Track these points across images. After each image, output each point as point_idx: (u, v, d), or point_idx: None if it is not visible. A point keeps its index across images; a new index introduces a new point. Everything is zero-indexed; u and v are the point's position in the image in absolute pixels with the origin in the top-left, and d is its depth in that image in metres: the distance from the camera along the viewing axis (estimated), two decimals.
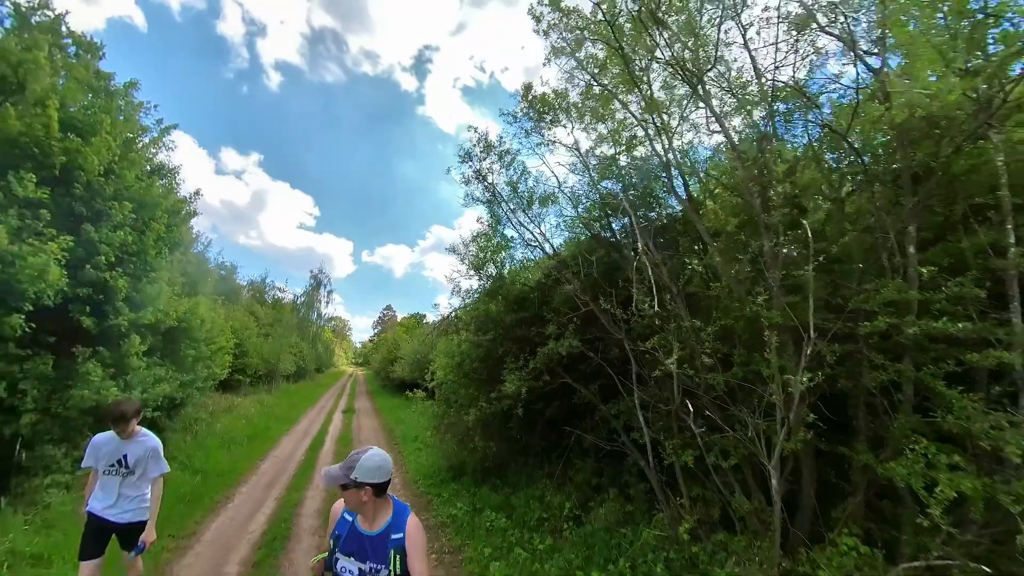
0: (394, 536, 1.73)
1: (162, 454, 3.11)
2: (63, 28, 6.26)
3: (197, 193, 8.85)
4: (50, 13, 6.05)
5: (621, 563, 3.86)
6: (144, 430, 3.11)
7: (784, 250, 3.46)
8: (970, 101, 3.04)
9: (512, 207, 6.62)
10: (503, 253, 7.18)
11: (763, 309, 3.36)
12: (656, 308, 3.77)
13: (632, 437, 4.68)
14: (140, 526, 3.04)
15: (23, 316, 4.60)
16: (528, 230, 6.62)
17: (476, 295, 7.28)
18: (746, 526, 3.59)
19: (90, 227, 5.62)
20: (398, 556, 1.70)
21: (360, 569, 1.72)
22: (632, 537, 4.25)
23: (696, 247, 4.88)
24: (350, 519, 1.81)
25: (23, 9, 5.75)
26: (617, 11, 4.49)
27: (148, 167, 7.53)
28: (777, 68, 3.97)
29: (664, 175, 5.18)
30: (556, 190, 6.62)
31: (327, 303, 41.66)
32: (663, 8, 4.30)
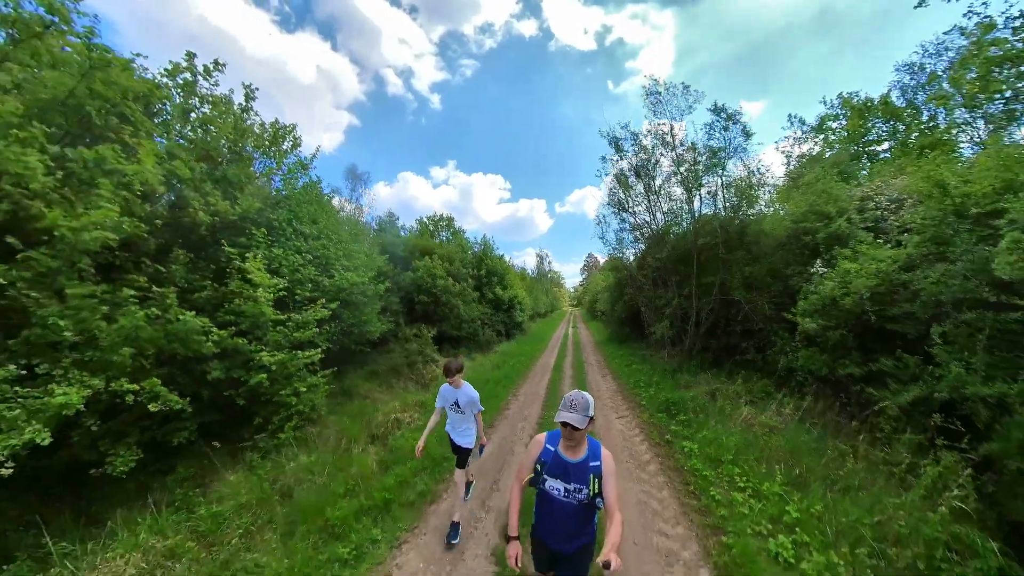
0: (592, 463, 2.17)
1: (478, 400, 4.07)
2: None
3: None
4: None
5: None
6: (466, 383, 4.06)
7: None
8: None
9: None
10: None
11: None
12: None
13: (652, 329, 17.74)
14: (468, 450, 4.17)
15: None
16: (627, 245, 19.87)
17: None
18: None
19: (491, 289, 22.40)
20: (596, 479, 2.13)
21: (565, 488, 2.17)
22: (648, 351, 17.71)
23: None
24: (552, 449, 2.23)
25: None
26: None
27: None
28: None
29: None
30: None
31: (549, 270, 62.44)
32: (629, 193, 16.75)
